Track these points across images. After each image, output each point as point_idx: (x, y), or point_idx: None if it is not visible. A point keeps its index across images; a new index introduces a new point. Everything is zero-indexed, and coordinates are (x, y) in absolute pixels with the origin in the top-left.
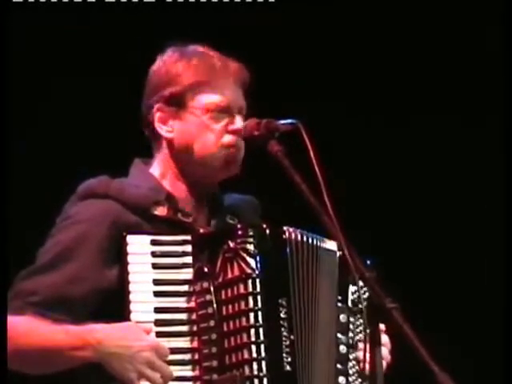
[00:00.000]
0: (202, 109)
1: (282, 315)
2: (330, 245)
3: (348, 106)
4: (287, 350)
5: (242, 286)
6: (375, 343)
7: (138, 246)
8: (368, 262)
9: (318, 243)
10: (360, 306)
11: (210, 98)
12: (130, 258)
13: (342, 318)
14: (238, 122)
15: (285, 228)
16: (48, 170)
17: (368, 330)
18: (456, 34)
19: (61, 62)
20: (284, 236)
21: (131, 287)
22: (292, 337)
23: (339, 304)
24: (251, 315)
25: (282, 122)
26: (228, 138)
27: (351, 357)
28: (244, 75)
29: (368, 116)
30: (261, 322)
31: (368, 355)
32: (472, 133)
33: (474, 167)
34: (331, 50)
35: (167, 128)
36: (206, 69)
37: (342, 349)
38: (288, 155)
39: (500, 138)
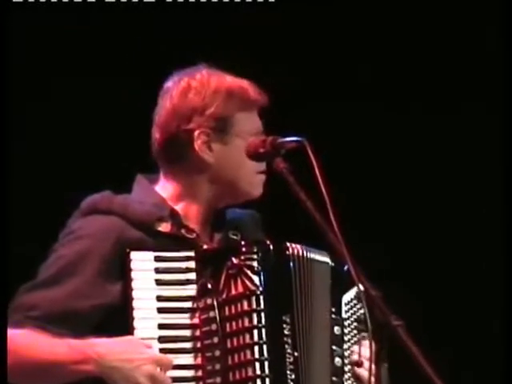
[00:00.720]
0: (247, 133)
1: (286, 332)
2: (324, 256)
3: (349, 107)
4: (291, 366)
5: (245, 303)
6: (381, 361)
7: (142, 263)
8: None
9: (316, 257)
10: (367, 323)
11: (253, 123)
12: (133, 275)
13: (337, 330)
14: None
15: (288, 244)
16: (48, 171)
17: (374, 348)
18: (456, 34)
19: (61, 62)
20: (287, 252)
21: (135, 304)
22: (296, 353)
23: (333, 316)
24: (255, 332)
25: (288, 139)
26: (262, 165)
27: (346, 369)
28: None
29: (367, 118)
30: (264, 339)
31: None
32: (471, 132)
33: (473, 168)
34: (331, 49)
35: (210, 152)
36: (247, 93)
37: (337, 361)
38: (294, 172)
39: (499, 135)
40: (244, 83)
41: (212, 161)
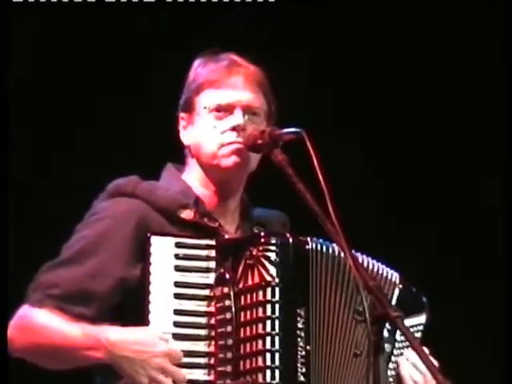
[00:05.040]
0: (205, 108)
1: (300, 325)
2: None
3: (352, 101)
4: (302, 360)
5: (260, 293)
6: (378, 352)
7: (162, 248)
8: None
9: (343, 254)
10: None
11: (211, 97)
12: (152, 259)
13: (387, 347)
14: (238, 118)
15: (308, 238)
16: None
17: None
18: None
19: (61, 62)
20: (307, 246)
21: (152, 288)
22: (308, 347)
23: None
24: (268, 323)
25: (286, 130)
26: (228, 136)
27: None
28: (257, 76)
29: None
30: (277, 330)
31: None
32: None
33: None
34: (331, 49)
35: (186, 135)
36: (213, 70)
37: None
38: (292, 164)
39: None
40: (214, 64)
41: (188, 142)
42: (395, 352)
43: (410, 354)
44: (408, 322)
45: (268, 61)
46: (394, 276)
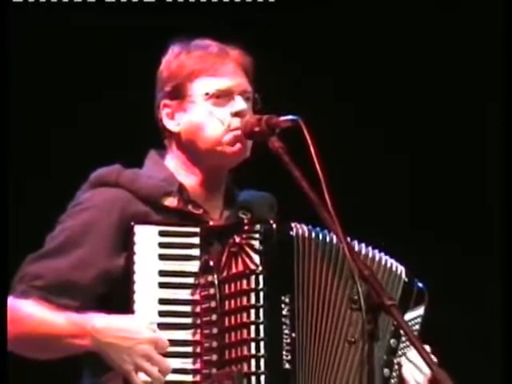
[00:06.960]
0: (203, 95)
1: (285, 313)
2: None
3: (348, 106)
4: (287, 347)
5: (245, 282)
6: (372, 340)
7: (146, 236)
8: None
9: (329, 239)
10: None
11: (208, 83)
12: (136, 248)
13: (393, 342)
14: (240, 103)
15: (293, 224)
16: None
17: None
18: None
19: (61, 61)
20: (291, 232)
21: (136, 277)
22: (293, 335)
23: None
24: (252, 311)
25: (283, 118)
26: (232, 121)
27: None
28: (245, 60)
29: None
30: (262, 318)
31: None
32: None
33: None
34: (331, 48)
35: (174, 122)
36: (204, 57)
37: (386, 372)
38: (289, 151)
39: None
40: (202, 50)
41: (178, 129)
42: (401, 345)
43: (411, 354)
44: (410, 315)
45: (267, 60)
46: (400, 269)
